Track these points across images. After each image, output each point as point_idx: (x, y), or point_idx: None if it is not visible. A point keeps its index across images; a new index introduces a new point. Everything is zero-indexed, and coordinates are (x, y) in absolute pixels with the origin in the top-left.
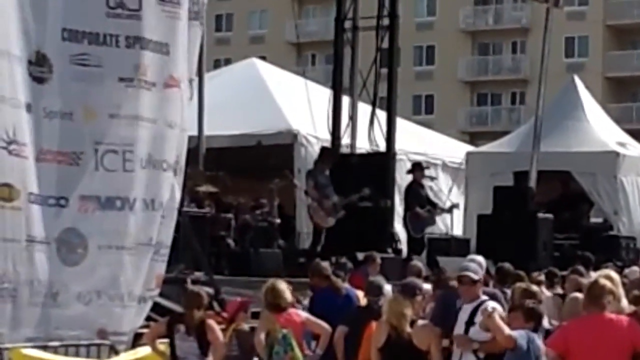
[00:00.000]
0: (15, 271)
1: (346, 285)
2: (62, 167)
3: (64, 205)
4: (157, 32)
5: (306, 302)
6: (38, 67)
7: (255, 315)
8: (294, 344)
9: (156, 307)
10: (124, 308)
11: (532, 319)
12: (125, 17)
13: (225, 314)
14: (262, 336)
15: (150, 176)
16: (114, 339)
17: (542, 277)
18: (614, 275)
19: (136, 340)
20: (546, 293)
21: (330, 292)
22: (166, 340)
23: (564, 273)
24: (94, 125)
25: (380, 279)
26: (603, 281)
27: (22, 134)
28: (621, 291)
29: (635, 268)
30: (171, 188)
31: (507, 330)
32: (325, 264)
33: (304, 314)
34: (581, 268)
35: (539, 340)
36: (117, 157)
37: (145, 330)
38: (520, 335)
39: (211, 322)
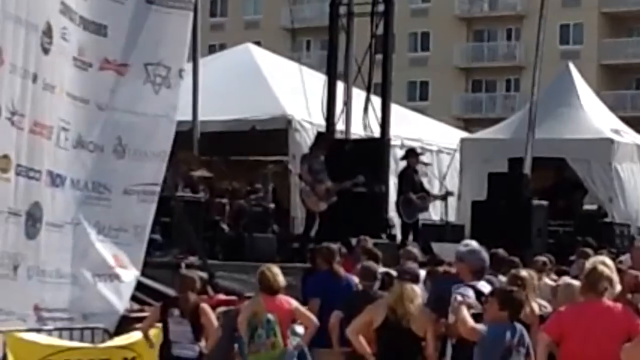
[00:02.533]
0: None
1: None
2: (43, 140)
3: (37, 179)
4: (96, 12)
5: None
6: (47, 37)
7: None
8: (278, 330)
9: (151, 292)
10: (55, 285)
11: (507, 306)
12: None
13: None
14: (246, 315)
15: (78, 155)
16: (47, 316)
17: (548, 264)
18: (609, 261)
19: (125, 325)
20: (545, 280)
21: (330, 276)
22: (160, 324)
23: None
24: (59, 101)
25: (374, 265)
26: (601, 268)
27: (23, 105)
28: (615, 277)
29: (625, 257)
30: (118, 170)
31: (470, 322)
32: (333, 249)
33: (295, 303)
34: (589, 250)
35: (512, 333)
36: (64, 134)
37: (138, 315)
38: (488, 328)
39: (205, 306)
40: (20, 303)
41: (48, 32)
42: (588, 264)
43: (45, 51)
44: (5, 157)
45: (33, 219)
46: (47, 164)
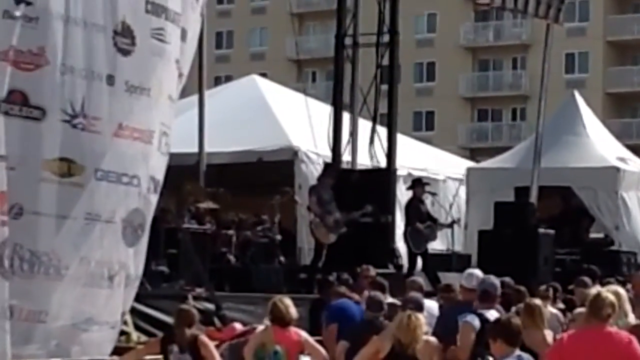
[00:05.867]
0: (67, 249)
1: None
2: (138, 144)
3: (136, 185)
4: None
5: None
6: (123, 38)
7: None
8: None
9: (158, 323)
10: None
11: (501, 334)
12: None
13: (220, 334)
14: (253, 346)
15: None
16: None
17: (550, 293)
18: (621, 290)
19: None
20: (550, 309)
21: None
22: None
23: (570, 287)
24: (162, 104)
25: (381, 295)
26: (605, 293)
27: (94, 108)
28: (628, 307)
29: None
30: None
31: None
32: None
33: (305, 335)
34: (586, 279)
35: None
36: (165, 139)
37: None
38: None
39: (204, 338)
40: (113, 311)
41: (124, 32)
42: (593, 290)
43: (124, 52)
44: (66, 160)
45: (133, 227)
46: (148, 170)
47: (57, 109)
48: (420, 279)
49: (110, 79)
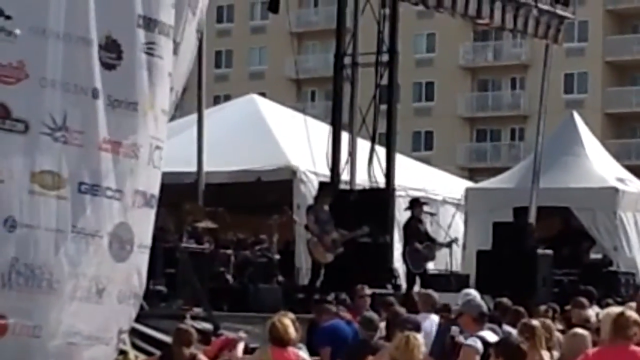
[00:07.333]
0: (58, 263)
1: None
2: (123, 158)
3: (119, 199)
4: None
5: None
6: (107, 52)
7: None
8: None
9: (156, 342)
10: (133, 307)
11: (503, 354)
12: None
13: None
14: None
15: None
16: (123, 337)
17: (550, 314)
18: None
19: None
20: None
21: None
22: None
23: (567, 307)
24: (152, 118)
25: (375, 315)
26: (629, 312)
27: (77, 121)
28: None
29: (633, 304)
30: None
31: None
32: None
33: (303, 355)
34: (583, 300)
35: None
36: (158, 153)
37: None
38: None
39: (202, 357)
40: (106, 327)
41: (109, 47)
42: (616, 309)
43: (108, 66)
44: (50, 173)
45: (121, 242)
46: (135, 184)
47: (39, 122)
48: (435, 295)
49: (95, 93)
